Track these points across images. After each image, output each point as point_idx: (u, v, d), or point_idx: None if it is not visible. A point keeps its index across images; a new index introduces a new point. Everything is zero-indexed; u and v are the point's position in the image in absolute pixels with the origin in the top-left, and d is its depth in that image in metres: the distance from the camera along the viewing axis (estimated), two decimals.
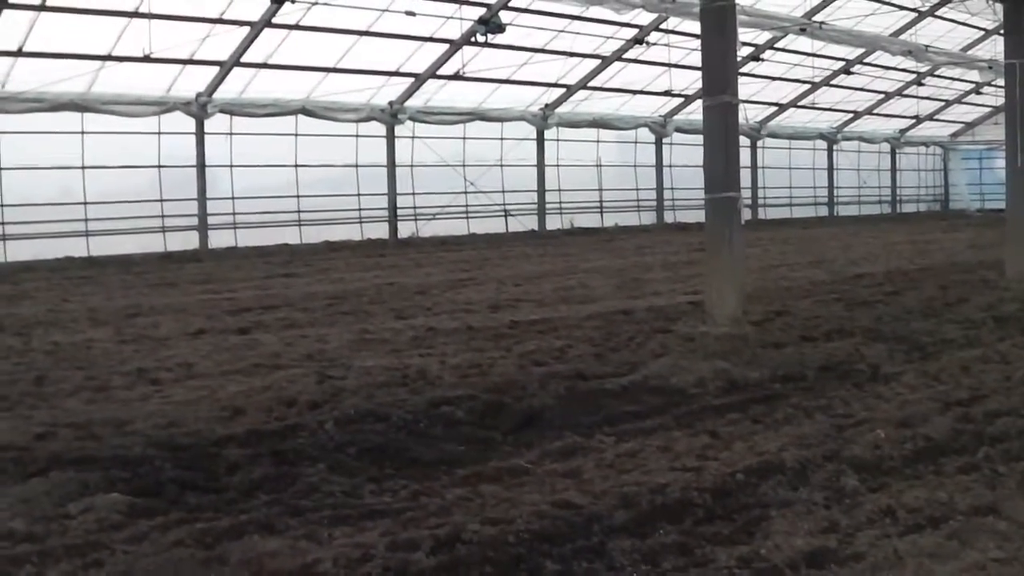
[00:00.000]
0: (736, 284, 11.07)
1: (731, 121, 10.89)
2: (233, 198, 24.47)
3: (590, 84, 29.84)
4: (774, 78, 33.89)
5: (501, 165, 30.46)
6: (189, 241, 23.71)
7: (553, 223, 31.87)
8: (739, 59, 29.96)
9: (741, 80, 32.06)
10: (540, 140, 31.34)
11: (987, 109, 43.68)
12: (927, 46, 30.16)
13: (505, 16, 23.33)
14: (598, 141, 34.02)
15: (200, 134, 23.51)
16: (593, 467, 6.02)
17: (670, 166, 35.38)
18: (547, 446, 6.53)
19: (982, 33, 32.17)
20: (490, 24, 22.96)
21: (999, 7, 15.26)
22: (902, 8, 27.26)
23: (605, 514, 5.06)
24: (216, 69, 22.31)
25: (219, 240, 24.09)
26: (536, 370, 8.87)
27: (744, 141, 38.80)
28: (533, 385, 8.06)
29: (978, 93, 40.76)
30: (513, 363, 9.27)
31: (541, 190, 31.56)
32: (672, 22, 26.31)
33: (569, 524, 4.92)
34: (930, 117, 44.82)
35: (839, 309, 12.62)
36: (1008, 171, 15.26)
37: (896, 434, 6.39)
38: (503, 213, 30.55)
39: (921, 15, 28.44)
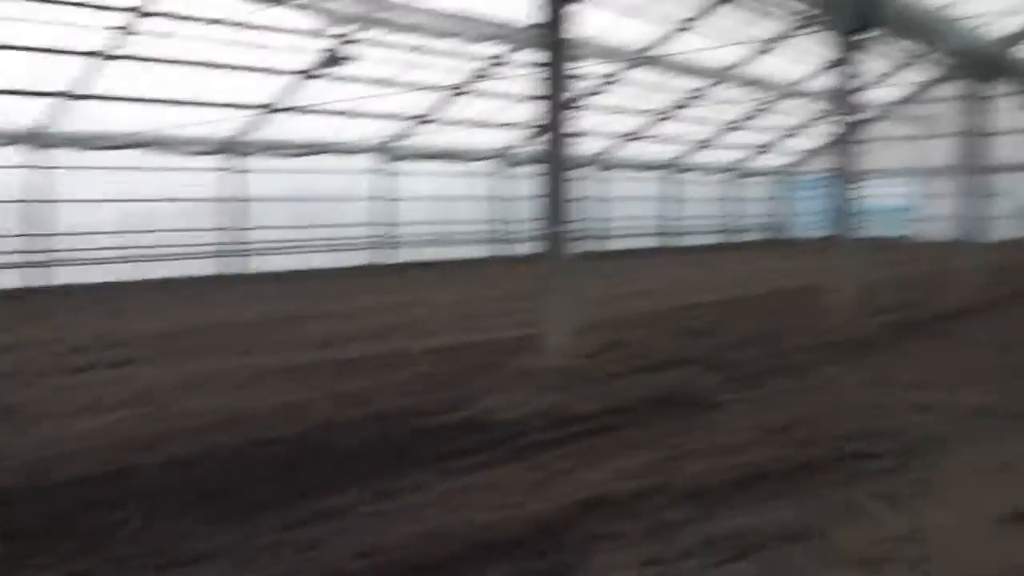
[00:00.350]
0: (570, 317, 11.11)
1: (566, 155, 10.96)
2: (61, 234, 23.67)
3: (438, 116, 29.84)
4: (619, 109, 34.42)
5: (345, 199, 30.23)
6: (9, 280, 22.80)
7: (398, 256, 31.73)
8: (584, 91, 30.68)
9: (586, 111, 32.73)
10: (385, 173, 31.23)
11: (824, 139, 45.08)
12: (767, 79, 31.05)
13: (352, 48, 23.18)
14: (444, 174, 34.06)
15: (31, 167, 22.77)
16: (417, 506, 5.94)
17: (514, 199, 35.59)
18: (371, 485, 6.41)
19: (820, 66, 33.20)
20: (337, 56, 22.80)
21: (835, 41, 15.70)
22: (744, 42, 27.92)
23: (420, 555, 4.99)
24: (53, 100, 21.66)
25: (43, 278, 23.26)
26: (364, 407, 8.74)
27: (588, 172, 39.35)
28: (360, 423, 7.95)
29: (814, 124, 42.02)
30: (343, 400, 9.12)
31: (385, 223, 31.43)
32: (521, 55, 26.51)
33: (383, 568, 4.83)
34: (770, 147, 46.11)
35: (674, 339, 12.79)
36: (833, 201, 15.68)
37: (721, 463, 6.49)
38: (346, 247, 30.29)
39: (762, 48, 29.19)
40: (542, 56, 11.09)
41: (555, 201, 10.97)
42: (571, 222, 11.16)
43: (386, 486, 6.35)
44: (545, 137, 11.07)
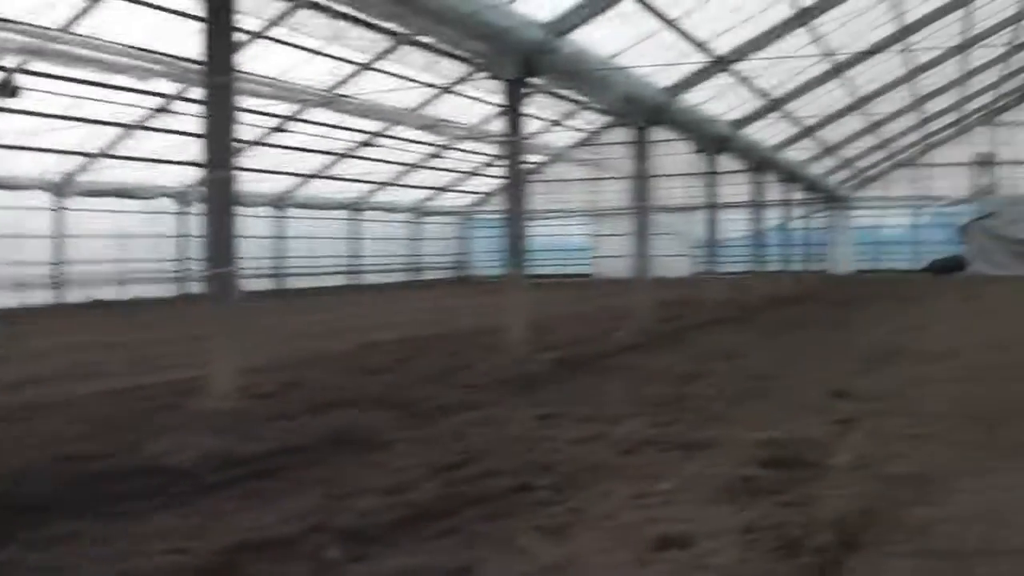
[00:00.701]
0: (239, 358, 10.88)
1: (230, 196, 10.74)
2: None
3: (113, 152, 28.83)
4: (300, 149, 34.25)
5: (20, 236, 28.77)
6: None
7: (73, 296, 30.39)
8: (266, 130, 30.37)
9: (267, 151, 32.41)
10: (59, 210, 29.92)
11: (502, 180, 46.34)
12: (445, 121, 31.64)
13: (22, 80, 22.01)
14: (121, 211, 32.93)
15: None
16: (66, 555, 5.64)
17: (192, 236, 34.75)
18: (20, 535, 6.03)
19: (495, 110, 34.15)
20: (4, 88, 21.59)
21: (503, 87, 16.17)
22: (424, 84, 28.35)
23: None
24: None
25: None
26: (24, 454, 8.26)
27: (271, 212, 38.96)
28: (20, 470, 7.51)
29: (494, 165, 43.15)
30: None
31: (63, 261, 30.11)
32: (198, 92, 25.94)
33: None
34: (450, 188, 47.01)
35: (351, 378, 12.76)
36: (506, 241, 16.09)
37: (387, 501, 6.49)
38: (24, 286, 28.79)
39: (440, 91, 29.73)
40: (210, 94, 10.86)
41: (221, 240, 10.72)
42: (239, 261, 10.92)
43: (34, 535, 6.00)
44: (211, 175, 10.83)
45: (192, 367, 14.11)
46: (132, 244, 33.79)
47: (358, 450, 8.37)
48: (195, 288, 33.94)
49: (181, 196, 33.73)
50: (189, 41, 21.50)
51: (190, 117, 26.52)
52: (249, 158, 32.34)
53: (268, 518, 6.23)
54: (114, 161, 29.45)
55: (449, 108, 31.71)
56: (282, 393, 11.50)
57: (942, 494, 6.61)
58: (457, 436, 8.73)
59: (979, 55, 32.63)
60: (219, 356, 10.68)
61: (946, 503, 6.42)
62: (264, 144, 32.03)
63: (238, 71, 11.01)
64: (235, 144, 10.97)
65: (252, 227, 36.84)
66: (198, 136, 27.32)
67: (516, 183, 15.92)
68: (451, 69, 26.53)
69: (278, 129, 30.96)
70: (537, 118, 36.08)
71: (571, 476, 7.22)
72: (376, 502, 6.48)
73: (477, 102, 31.75)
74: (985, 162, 49.58)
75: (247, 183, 33.71)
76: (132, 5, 19.81)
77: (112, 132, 27.74)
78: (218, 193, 10.73)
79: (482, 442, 8.39)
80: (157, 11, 20.31)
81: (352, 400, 10.79)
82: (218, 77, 10.60)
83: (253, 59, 23.45)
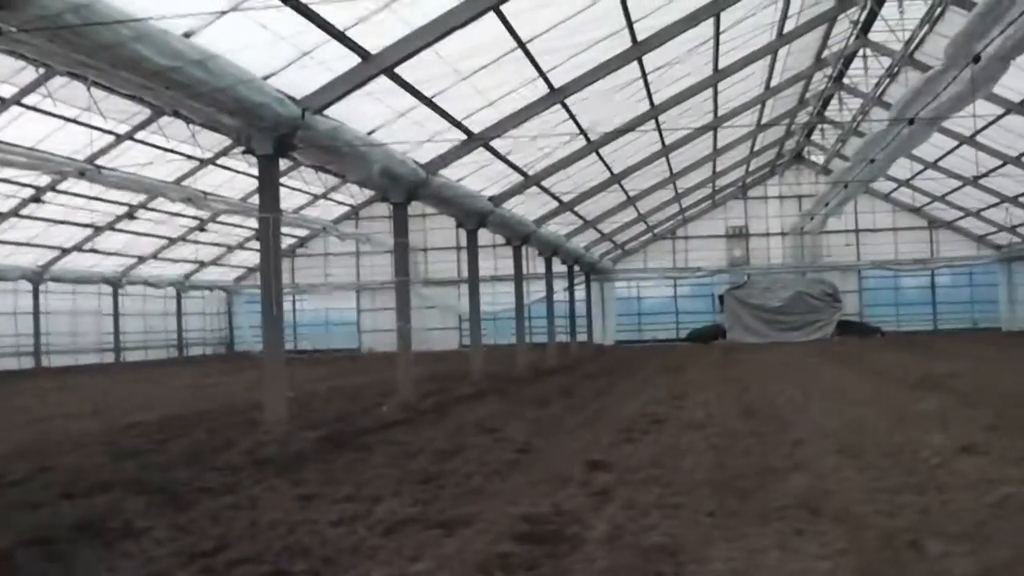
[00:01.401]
0: None
1: None
2: None
3: None
4: (56, 221, 33.14)
5: None
6: None
7: None
8: (19, 201, 29.26)
9: (21, 223, 31.17)
10: None
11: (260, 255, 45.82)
12: (207, 193, 31.18)
13: None
14: None
15: None
16: None
17: None
18: None
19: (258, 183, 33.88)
20: None
21: (259, 163, 16.09)
22: (184, 156, 27.92)
23: None
24: None
25: None
26: None
27: (26, 286, 37.41)
28: None
29: (258, 239, 42.70)
30: None
31: None
32: None
33: None
34: (214, 262, 46.21)
35: (107, 461, 12.32)
36: (264, 317, 15.95)
37: None
38: None
39: (202, 163, 29.32)
40: None
41: None
42: None
43: None
44: None
45: None
46: None
47: (107, 538, 8.08)
48: None
49: None
50: None
51: None
52: (3, 231, 31.14)
53: None
54: None
55: (211, 181, 31.31)
56: (33, 479, 11.01)
57: (696, 563, 6.83)
58: (215, 520, 8.55)
59: (728, 134, 34.40)
60: None
61: (700, 572, 6.65)
62: (19, 215, 30.87)
63: None
64: None
65: (7, 302, 35.35)
66: None
67: (273, 258, 15.81)
68: (212, 141, 26.26)
69: (34, 200, 29.91)
70: (301, 191, 36.01)
71: (329, 559, 7.18)
72: None
73: (239, 175, 31.49)
74: (738, 234, 52.08)
75: (2, 257, 32.58)
76: None
77: None
78: None
79: (240, 526, 8.25)
80: None
81: (108, 484, 10.40)
82: None
83: (5, 126, 22.70)
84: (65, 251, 36.84)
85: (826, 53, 30.85)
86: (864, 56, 29.88)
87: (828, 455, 11.10)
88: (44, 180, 28.40)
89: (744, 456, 11.45)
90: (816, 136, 44.59)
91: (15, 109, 22.16)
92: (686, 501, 8.91)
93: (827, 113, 38.46)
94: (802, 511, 8.22)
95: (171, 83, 13.15)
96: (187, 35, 13.70)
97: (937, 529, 7.36)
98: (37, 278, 37.30)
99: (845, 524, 7.74)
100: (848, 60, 30.85)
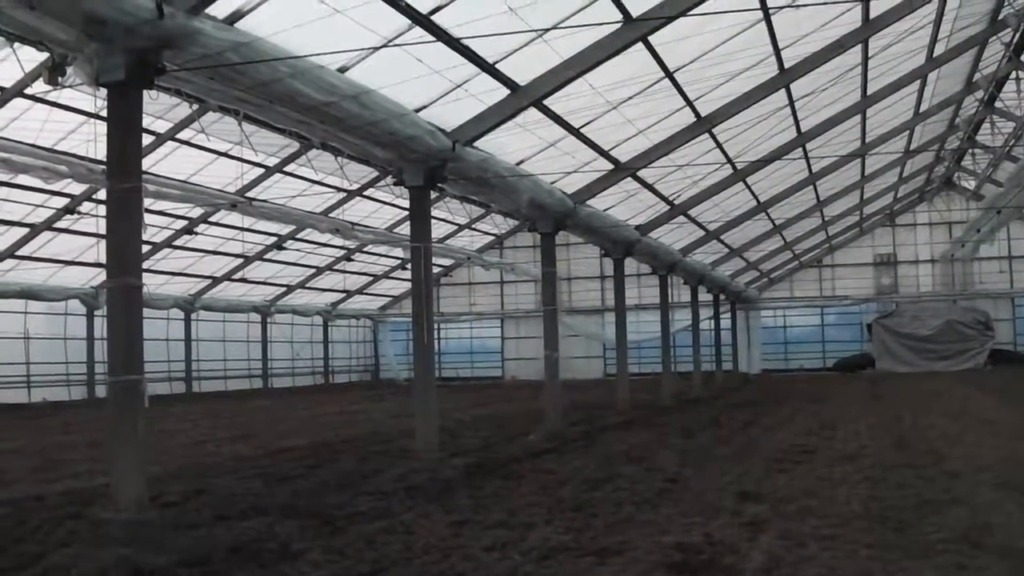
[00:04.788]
0: (141, 467, 10.62)
1: (135, 303, 10.60)
2: None
3: (18, 253, 28.38)
4: (208, 251, 34.01)
5: None
6: None
7: None
8: (173, 232, 30.13)
9: (174, 253, 32.10)
10: None
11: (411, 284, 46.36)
12: (354, 224, 31.66)
13: None
14: (26, 312, 32.40)
15: None
16: None
17: (101, 339, 34.22)
18: None
19: (404, 214, 34.30)
20: None
21: (410, 194, 16.28)
22: (332, 188, 28.42)
23: None
24: None
25: None
26: None
27: (178, 314, 38.49)
28: None
29: (403, 268, 43.19)
30: None
31: None
32: (105, 192, 25.70)
33: None
34: (360, 291, 46.90)
35: (259, 485, 12.52)
36: (415, 345, 16.08)
37: None
38: None
39: (349, 195, 29.79)
40: (114, 199, 10.77)
41: (125, 347, 10.54)
42: (138, 372, 10.66)
43: None
44: (114, 281, 10.69)
45: (96, 474, 13.83)
46: (38, 346, 33.17)
47: (263, 561, 8.18)
48: (104, 391, 33.34)
49: (90, 298, 33.18)
50: (100, 143, 21.61)
51: (94, 218, 26.34)
52: (157, 261, 32.08)
53: None
54: (20, 262, 29.05)
55: (358, 211, 31.78)
56: (188, 501, 11.24)
57: None
58: (369, 544, 8.59)
59: (876, 160, 33.65)
60: (123, 464, 10.44)
61: None
62: (172, 246, 31.76)
63: (145, 173, 10.95)
64: (141, 248, 10.87)
65: (160, 329, 36.41)
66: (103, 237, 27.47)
67: (423, 287, 15.92)
68: (359, 173, 26.67)
69: (187, 231, 30.73)
70: (447, 222, 36.32)
71: None
72: None
73: (385, 205, 31.91)
74: (886, 262, 50.85)
75: (155, 286, 33.59)
76: (39, 105, 19.64)
77: (17, 232, 27.34)
78: (122, 300, 10.59)
79: (395, 551, 8.27)
80: (66, 111, 20.21)
81: (261, 508, 10.58)
82: (121, 183, 10.52)
83: (160, 161, 23.37)
84: (216, 280, 37.80)
85: (977, 76, 29.94)
86: (1017, 79, 28.91)
87: (986, 489, 10.77)
88: (197, 212, 29.15)
89: (899, 488, 11.12)
90: (967, 161, 43.29)
91: (169, 144, 22.79)
92: (843, 533, 8.68)
93: (978, 137, 37.34)
94: (963, 545, 7.98)
95: (326, 117, 13.40)
96: (342, 70, 13.92)
97: None
98: (189, 306, 38.34)
99: (1009, 560, 7.48)
100: (1000, 83, 29.91)
